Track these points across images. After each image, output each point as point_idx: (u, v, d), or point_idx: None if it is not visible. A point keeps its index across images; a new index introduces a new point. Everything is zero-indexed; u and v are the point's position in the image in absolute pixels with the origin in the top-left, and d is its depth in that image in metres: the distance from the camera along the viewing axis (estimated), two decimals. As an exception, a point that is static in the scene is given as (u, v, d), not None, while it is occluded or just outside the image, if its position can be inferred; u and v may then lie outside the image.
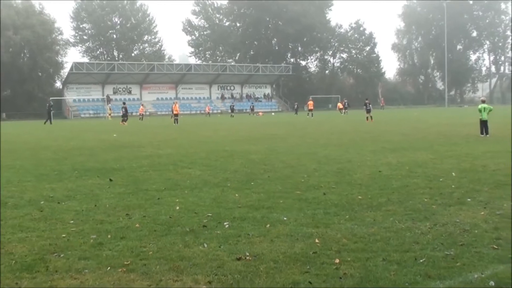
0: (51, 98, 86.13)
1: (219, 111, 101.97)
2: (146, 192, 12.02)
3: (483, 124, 26.96)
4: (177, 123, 52.04)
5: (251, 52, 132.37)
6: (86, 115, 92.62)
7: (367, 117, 49.25)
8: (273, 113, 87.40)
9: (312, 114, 66.66)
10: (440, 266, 6.47)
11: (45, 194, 12.02)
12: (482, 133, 26.76)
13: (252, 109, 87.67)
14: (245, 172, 15.15)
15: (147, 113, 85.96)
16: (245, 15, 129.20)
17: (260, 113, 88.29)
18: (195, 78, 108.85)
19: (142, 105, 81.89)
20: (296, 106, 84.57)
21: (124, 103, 61.67)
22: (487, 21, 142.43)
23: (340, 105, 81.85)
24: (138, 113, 77.87)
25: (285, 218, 9.09)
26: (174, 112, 54.04)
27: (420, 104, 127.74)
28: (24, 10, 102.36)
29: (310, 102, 70.67)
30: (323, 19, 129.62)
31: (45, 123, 62.86)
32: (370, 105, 52.08)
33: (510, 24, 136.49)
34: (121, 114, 58.57)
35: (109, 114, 79.45)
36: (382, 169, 14.91)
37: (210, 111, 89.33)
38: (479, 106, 27.69)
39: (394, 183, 12.51)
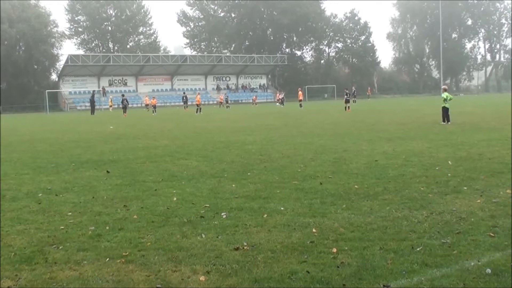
0: (47, 91, 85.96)
1: (215, 102, 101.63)
2: (143, 183, 12.05)
3: (445, 112, 27.30)
4: (200, 111, 56.47)
5: (246, 43, 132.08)
6: (82, 107, 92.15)
7: (347, 107, 49.77)
8: (277, 104, 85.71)
9: (301, 104, 66.53)
10: (437, 254, 6.51)
11: (43, 186, 12.04)
12: (444, 120, 27.11)
13: (226, 101, 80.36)
14: (241, 162, 15.18)
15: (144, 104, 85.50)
16: (239, 6, 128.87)
17: (255, 98, 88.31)
18: (190, 69, 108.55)
19: (147, 96, 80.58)
20: (282, 96, 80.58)
21: (123, 95, 61.85)
22: (482, 9, 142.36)
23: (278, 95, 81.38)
24: (145, 104, 76.75)
25: (282, 208, 9.12)
26: (196, 103, 59.85)
27: (416, 93, 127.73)
28: (20, 3, 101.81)
29: (300, 93, 70.51)
30: (317, 8, 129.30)
31: (92, 113, 65.14)
32: (350, 95, 53.46)
33: (506, 11, 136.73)
34: (121, 106, 58.90)
35: (111, 106, 79.12)
36: (378, 159, 14.95)
37: (223, 101, 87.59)
38: (444, 95, 27.99)
39: (390, 172, 12.54)
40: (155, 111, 62.45)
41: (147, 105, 74.95)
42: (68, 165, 15.80)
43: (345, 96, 51.86)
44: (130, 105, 78.23)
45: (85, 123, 43.61)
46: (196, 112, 56.41)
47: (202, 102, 68.73)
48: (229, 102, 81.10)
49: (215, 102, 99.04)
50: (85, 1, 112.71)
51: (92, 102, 69.25)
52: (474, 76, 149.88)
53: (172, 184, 11.80)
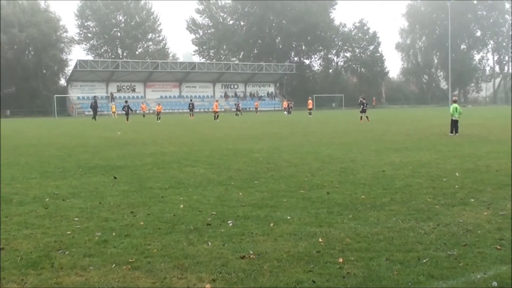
0: (55, 96, 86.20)
1: (222, 109, 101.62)
2: (150, 190, 12.06)
3: (454, 124, 27.34)
4: (216, 119, 56.68)
5: (255, 51, 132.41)
6: (90, 113, 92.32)
7: (361, 117, 48.22)
8: (285, 112, 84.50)
9: (310, 113, 66.35)
10: (443, 266, 6.49)
11: (50, 191, 12.06)
12: (452, 132, 27.19)
13: (237, 109, 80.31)
14: (248, 170, 15.17)
15: (150, 111, 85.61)
16: (249, 14, 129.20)
17: (257, 105, 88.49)
18: (199, 77, 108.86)
19: (144, 103, 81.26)
20: (288, 105, 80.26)
21: (126, 102, 61.75)
22: (491, 20, 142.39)
23: (285, 104, 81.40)
24: (142, 111, 77.06)
25: (288, 217, 9.11)
26: (214, 110, 59.76)
27: (424, 103, 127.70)
28: (30, 7, 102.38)
29: (310, 102, 70.27)
30: (327, 18, 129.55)
31: (93, 118, 65.75)
32: (367, 105, 51.52)
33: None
34: (124, 112, 58.64)
35: (114, 112, 79.27)
36: (386, 169, 14.92)
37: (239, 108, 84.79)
38: (452, 107, 27.98)
39: (397, 183, 12.52)
40: (159, 118, 61.95)
41: (144, 111, 75.51)
42: (75, 170, 15.83)
43: (362, 106, 49.62)
44: (138, 111, 78.54)
45: (93, 128, 43.72)
46: (214, 119, 56.89)
47: (210, 110, 68.89)
48: (240, 109, 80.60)
49: (222, 109, 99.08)
50: (96, 1, 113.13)
51: (94, 108, 69.31)
52: (482, 87, 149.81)
53: (179, 191, 11.80)
